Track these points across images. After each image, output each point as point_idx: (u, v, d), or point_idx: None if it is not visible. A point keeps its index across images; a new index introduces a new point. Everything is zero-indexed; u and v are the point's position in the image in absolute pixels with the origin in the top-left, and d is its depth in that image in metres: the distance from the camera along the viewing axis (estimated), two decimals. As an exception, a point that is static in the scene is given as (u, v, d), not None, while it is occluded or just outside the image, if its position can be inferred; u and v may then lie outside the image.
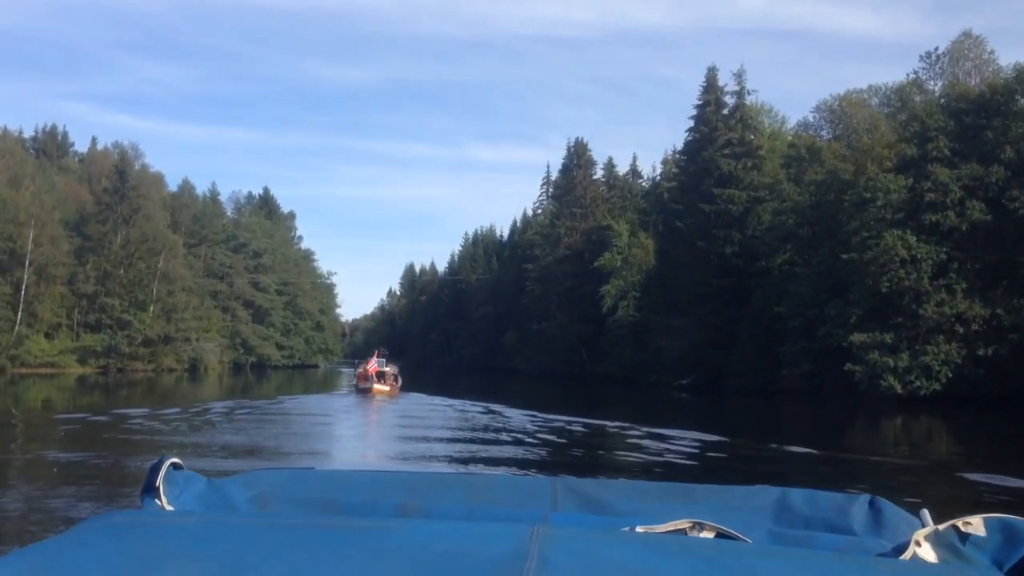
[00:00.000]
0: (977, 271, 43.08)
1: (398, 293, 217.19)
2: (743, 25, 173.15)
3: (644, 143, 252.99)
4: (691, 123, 66.57)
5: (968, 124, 45.63)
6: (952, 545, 1.73)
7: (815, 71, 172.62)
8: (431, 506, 2.08)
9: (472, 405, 39.62)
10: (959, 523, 1.75)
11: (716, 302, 60.49)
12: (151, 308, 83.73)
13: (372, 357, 53.29)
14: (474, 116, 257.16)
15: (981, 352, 41.32)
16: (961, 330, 41.89)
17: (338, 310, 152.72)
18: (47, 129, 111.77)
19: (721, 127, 63.42)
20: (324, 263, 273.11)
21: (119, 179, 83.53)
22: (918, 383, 42.15)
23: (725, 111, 64.68)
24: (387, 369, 50.48)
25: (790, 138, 67.63)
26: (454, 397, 45.54)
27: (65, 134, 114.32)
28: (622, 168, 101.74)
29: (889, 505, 2.05)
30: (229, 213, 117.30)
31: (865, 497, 2.09)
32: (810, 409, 45.58)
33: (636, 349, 72.84)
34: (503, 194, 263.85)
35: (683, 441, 24.23)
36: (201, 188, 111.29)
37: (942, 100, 48.00)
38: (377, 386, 46.85)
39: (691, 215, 63.42)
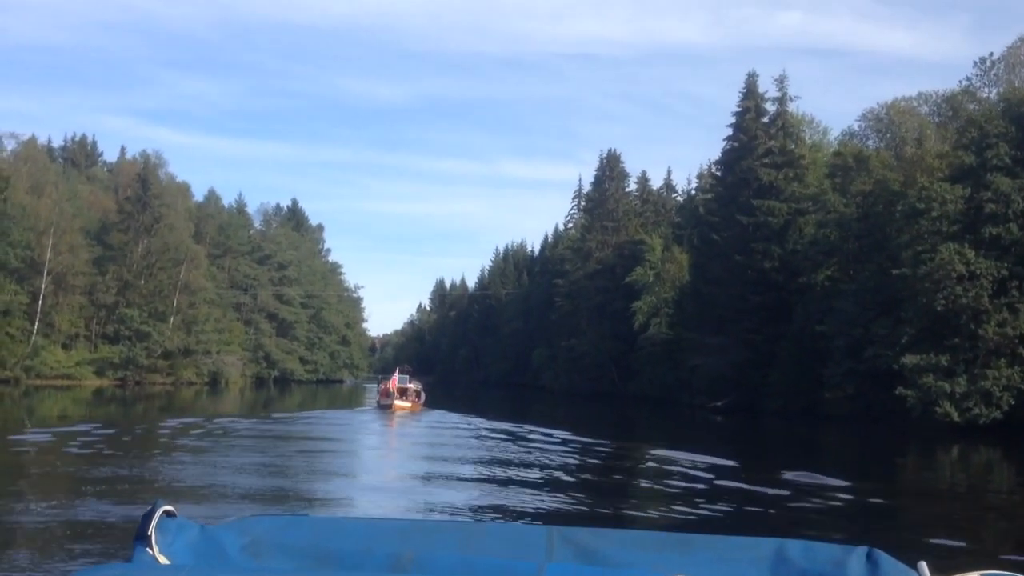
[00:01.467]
0: (1042, 289, 39.66)
1: (428, 308, 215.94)
2: (780, 42, 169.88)
3: (678, 161, 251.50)
4: (729, 131, 63.44)
5: (1031, 130, 42.31)
6: None
7: (853, 89, 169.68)
8: (425, 555, 2.08)
9: (491, 424, 38.73)
10: None
11: (754, 319, 57.19)
12: (171, 319, 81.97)
13: (395, 373, 52.74)
14: (507, 132, 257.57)
15: (1047, 377, 37.84)
16: (1025, 353, 38.46)
17: (365, 324, 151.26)
18: (76, 139, 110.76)
19: (761, 135, 60.29)
20: (354, 277, 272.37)
21: (141, 188, 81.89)
22: (976, 410, 38.67)
23: (765, 119, 61.55)
24: (410, 386, 50.16)
25: (833, 149, 64.41)
26: (477, 415, 44.57)
27: (94, 143, 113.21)
28: (656, 183, 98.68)
29: (886, 558, 2.03)
30: (257, 225, 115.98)
31: (863, 549, 2.08)
32: (856, 436, 42.35)
33: (669, 368, 69.73)
34: (535, 210, 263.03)
35: (706, 469, 23.06)
36: (229, 199, 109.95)
37: (1001, 105, 44.63)
38: (398, 402, 46.59)
39: (728, 228, 60.24)
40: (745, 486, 20.03)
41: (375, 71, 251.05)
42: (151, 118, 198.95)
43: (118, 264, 79.15)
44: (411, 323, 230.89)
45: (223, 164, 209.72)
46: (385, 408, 46.56)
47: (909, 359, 39.81)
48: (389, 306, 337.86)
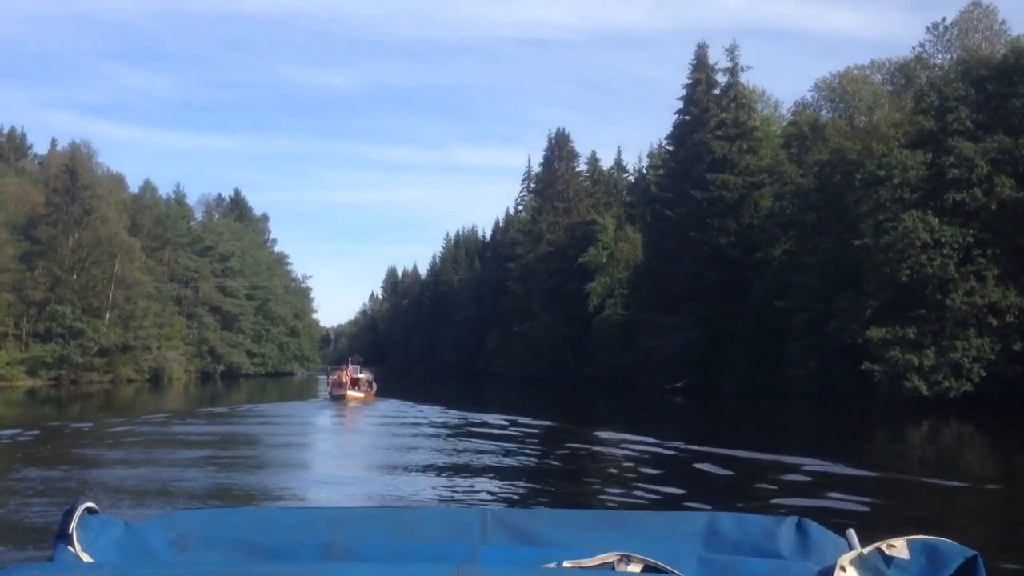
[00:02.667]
0: (1010, 255, 38.19)
1: (380, 297, 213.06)
2: (724, 24, 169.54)
3: (628, 144, 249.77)
4: (680, 105, 61.48)
5: (992, 93, 40.80)
6: (876, 568, 1.76)
7: (799, 69, 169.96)
8: (357, 544, 2.05)
9: (444, 411, 38.54)
10: (883, 546, 1.78)
11: (711, 297, 55.48)
12: (107, 315, 78.40)
13: (346, 364, 53.48)
14: (457, 119, 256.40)
15: (1018, 347, 36.40)
16: (994, 322, 36.95)
17: (315, 315, 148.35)
18: (4, 132, 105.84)
19: (713, 107, 58.47)
20: (305, 268, 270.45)
21: (70, 179, 77.87)
22: (946, 383, 37.20)
23: (716, 91, 59.69)
24: (361, 376, 50.37)
25: (785, 122, 62.87)
26: (429, 403, 44.19)
27: (23, 136, 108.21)
28: (606, 163, 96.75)
29: (816, 527, 2.07)
30: (199, 216, 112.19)
31: (792, 519, 2.11)
32: (821, 414, 40.68)
33: (625, 349, 67.94)
34: (487, 196, 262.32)
35: (668, 451, 22.46)
36: (169, 191, 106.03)
37: (960, 68, 43.13)
38: (351, 392, 46.55)
39: (682, 203, 58.45)
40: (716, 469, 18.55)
41: (322, 59, 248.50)
42: (91, 112, 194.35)
43: (47, 259, 75.21)
44: (364, 313, 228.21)
45: (167, 157, 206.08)
46: (338, 399, 46.30)
47: (874, 332, 38.22)
48: (343, 296, 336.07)
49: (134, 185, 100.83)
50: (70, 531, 1.93)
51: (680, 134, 60.59)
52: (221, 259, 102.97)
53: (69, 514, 1.96)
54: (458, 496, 15.82)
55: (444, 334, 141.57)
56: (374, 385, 51.20)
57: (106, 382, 76.70)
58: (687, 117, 60.26)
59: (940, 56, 55.49)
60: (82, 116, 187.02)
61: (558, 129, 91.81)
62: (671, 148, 62.66)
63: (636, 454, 22.32)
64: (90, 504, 2.03)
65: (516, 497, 15.77)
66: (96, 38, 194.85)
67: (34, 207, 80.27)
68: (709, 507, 11.25)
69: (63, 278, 75.73)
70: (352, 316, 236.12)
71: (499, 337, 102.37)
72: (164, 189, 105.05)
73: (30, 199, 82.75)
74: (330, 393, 49.37)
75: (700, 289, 56.08)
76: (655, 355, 60.23)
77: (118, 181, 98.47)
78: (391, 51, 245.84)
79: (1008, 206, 37.95)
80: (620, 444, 24.71)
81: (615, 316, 71.89)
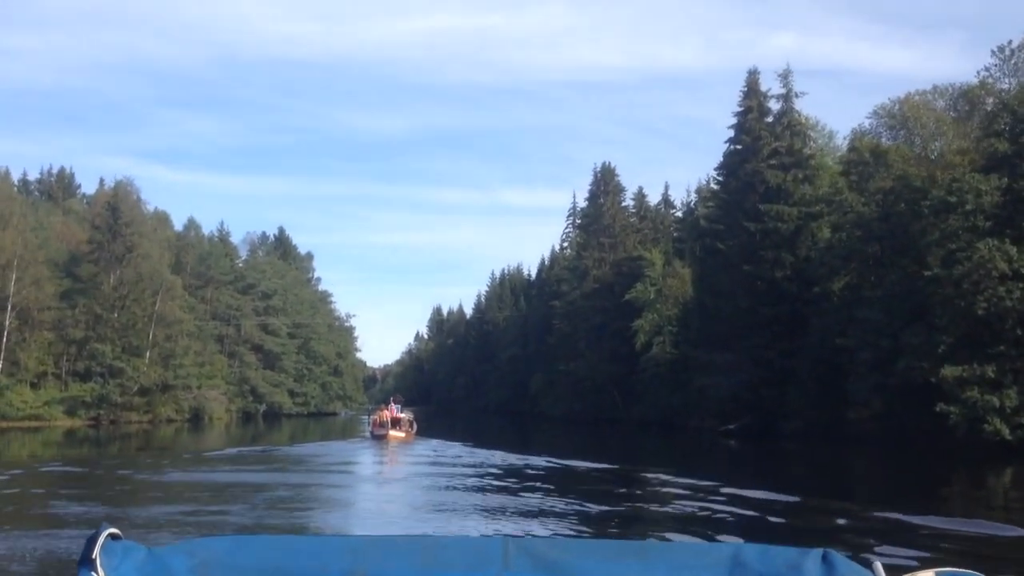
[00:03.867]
0: (1097, 286, 35.09)
1: (426, 337, 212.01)
2: (774, 64, 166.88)
3: (675, 184, 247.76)
4: (730, 134, 59.02)
5: (1071, 112, 37.98)
6: None
7: (852, 109, 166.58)
8: (379, 573, 2.06)
9: (485, 452, 37.90)
10: None
11: (766, 334, 52.53)
12: (147, 354, 77.50)
13: (388, 403, 53.72)
14: (505, 160, 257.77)
15: (1110, 386, 33.17)
16: (1082, 359, 33.79)
17: (359, 354, 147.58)
18: (54, 172, 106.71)
19: (766, 135, 55.87)
20: (351, 307, 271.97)
21: (112, 216, 77.35)
22: (1030, 426, 34.00)
23: (769, 118, 57.15)
24: (403, 415, 50.67)
25: (840, 154, 60.12)
26: (471, 444, 44.27)
27: (71, 175, 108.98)
28: (653, 199, 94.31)
29: (842, 560, 2.04)
30: (243, 255, 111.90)
31: (818, 551, 2.07)
32: (890, 458, 37.67)
33: (675, 390, 65.08)
34: (534, 236, 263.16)
35: (730, 498, 20.54)
36: (213, 229, 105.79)
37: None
38: (392, 432, 46.99)
39: (734, 236, 55.73)
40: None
41: (373, 104, 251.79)
42: (147, 156, 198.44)
43: (88, 297, 74.51)
44: (409, 352, 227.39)
45: (219, 200, 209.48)
46: (379, 438, 46.56)
47: (949, 370, 35.17)
48: (390, 336, 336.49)
49: (179, 224, 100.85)
50: (93, 556, 1.92)
51: (731, 164, 58.06)
52: (263, 297, 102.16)
53: (92, 540, 1.96)
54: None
55: (489, 373, 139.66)
56: (415, 425, 51.47)
57: (145, 422, 75.56)
58: (738, 146, 57.74)
59: (1006, 80, 52.61)
60: (138, 161, 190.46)
61: (604, 163, 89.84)
62: (721, 179, 60.06)
63: (686, 499, 20.65)
64: (113, 530, 2.04)
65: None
66: (154, 85, 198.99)
67: (77, 245, 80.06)
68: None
69: (103, 316, 74.91)
70: (398, 356, 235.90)
71: (544, 377, 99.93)
72: (210, 228, 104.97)
73: (74, 237, 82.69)
74: (371, 432, 49.41)
75: (754, 326, 53.19)
76: (707, 395, 57.31)
77: (162, 219, 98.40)
78: (441, 95, 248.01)
79: (1094, 233, 34.92)
80: (667, 487, 23.39)
81: (664, 355, 69.15)
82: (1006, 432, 33.82)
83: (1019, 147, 37.70)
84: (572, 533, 15.38)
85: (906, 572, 1.75)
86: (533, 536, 13.13)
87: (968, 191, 37.17)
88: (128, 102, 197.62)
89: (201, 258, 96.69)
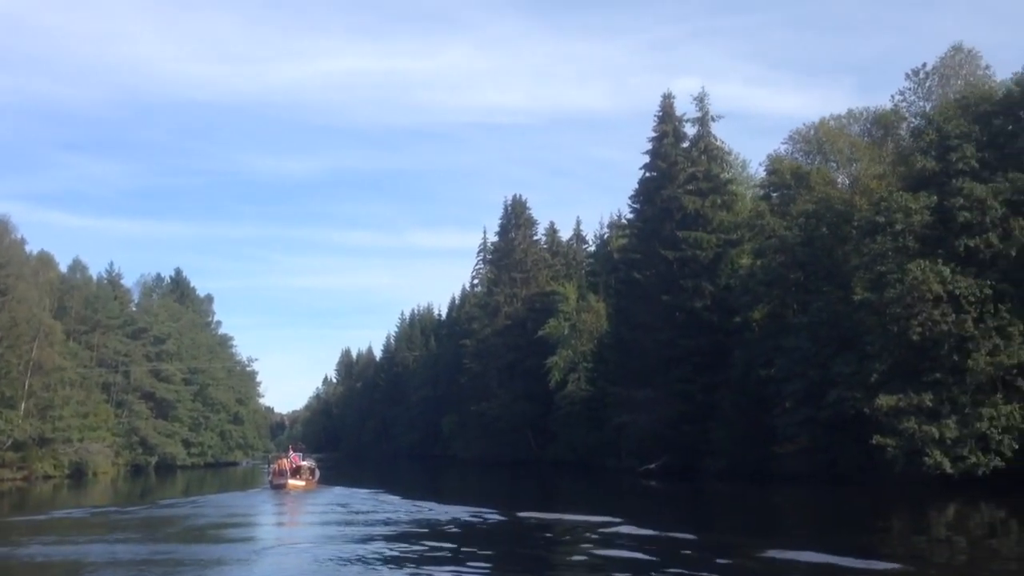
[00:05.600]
0: (1035, 307, 33.26)
1: (334, 380, 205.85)
2: (678, 107, 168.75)
3: (587, 223, 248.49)
4: (646, 159, 56.68)
5: (998, 129, 36.43)
6: None
7: (756, 151, 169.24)
8: None
9: (392, 500, 36.63)
10: None
11: (687, 367, 49.90)
12: (22, 405, 70.97)
13: (287, 452, 52.49)
14: (415, 202, 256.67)
15: (1055, 413, 31.14)
16: (1024, 385, 31.74)
17: (263, 400, 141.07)
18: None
19: (682, 161, 53.72)
20: (257, 352, 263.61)
21: (-17, 255, 71.12)
22: (972, 458, 31.65)
23: (685, 143, 55.05)
24: (304, 463, 49.77)
25: (756, 182, 58.48)
26: (378, 491, 42.50)
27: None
28: (565, 235, 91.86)
29: None
30: (136, 299, 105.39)
31: None
32: (824, 497, 35.07)
33: (592, 428, 62.04)
34: (445, 278, 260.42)
35: (625, 538, 20.80)
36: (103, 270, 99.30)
37: (960, 104, 38.74)
38: (292, 481, 45.92)
39: (651, 265, 53.22)
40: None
41: (280, 146, 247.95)
42: (44, 201, 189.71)
43: (-45, 343, 68.07)
44: (317, 397, 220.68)
45: (121, 245, 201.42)
46: (279, 488, 45.38)
47: (884, 400, 32.78)
48: (299, 382, 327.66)
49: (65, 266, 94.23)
50: None
51: (647, 191, 55.69)
52: (156, 342, 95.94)
53: None
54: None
55: (399, 416, 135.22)
56: (317, 472, 50.32)
57: (19, 479, 68.97)
58: (654, 172, 55.48)
59: (920, 104, 51.62)
60: (32, 205, 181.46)
61: (515, 196, 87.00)
62: (637, 206, 57.62)
63: (602, 544, 20.24)
64: None
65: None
66: (50, 127, 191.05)
67: (-54, 290, 73.45)
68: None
69: (-28, 364, 68.55)
70: (306, 401, 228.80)
71: (455, 418, 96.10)
72: (99, 270, 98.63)
73: (-57, 280, 75.95)
74: (270, 482, 47.71)
75: (674, 359, 50.56)
76: (625, 433, 54.36)
77: (46, 261, 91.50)
78: (349, 137, 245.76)
79: (1030, 252, 33.14)
80: (584, 532, 22.98)
81: (579, 392, 66.20)
82: (947, 465, 31.47)
83: (947, 164, 35.96)
84: None
85: None
86: None
87: (897, 210, 35.20)
88: (21, 144, 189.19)
89: (88, 301, 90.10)
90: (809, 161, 53.74)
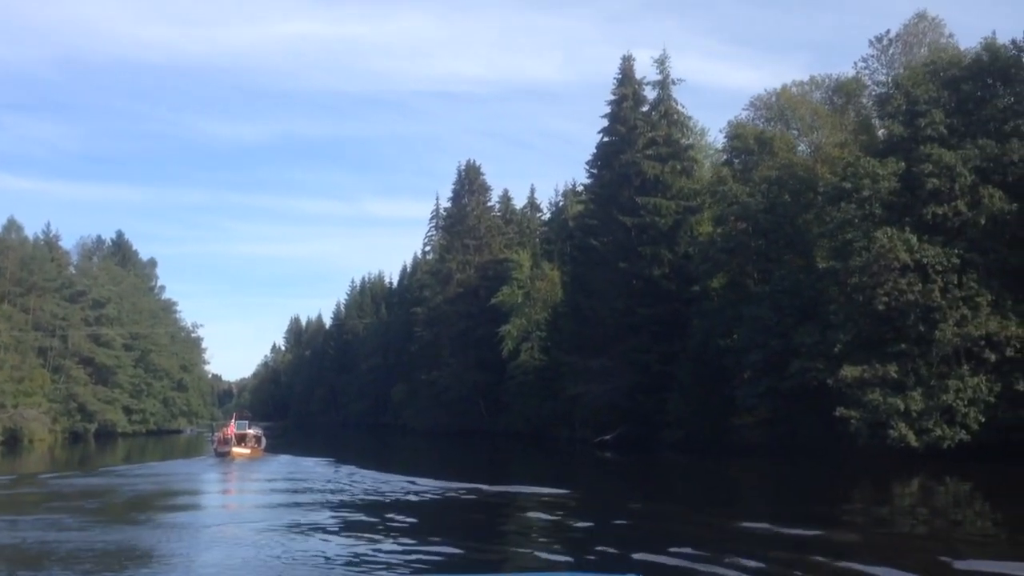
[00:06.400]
0: (1003, 277, 32.46)
1: (283, 348, 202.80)
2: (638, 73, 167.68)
3: (541, 193, 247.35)
4: (603, 126, 55.11)
5: (967, 94, 35.47)
6: None
7: (710, 125, 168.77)
8: None
9: (334, 469, 36.66)
10: None
11: (644, 336, 48.77)
12: (-49, 369, 68.15)
13: (231, 419, 52.72)
14: (369, 171, 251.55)
15: (1021, 386, 30.40)
16: (992, 357, 30.91)
17: (210, 367, 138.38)
18: None
19: (642, 125, 52.25)
20: (203, 318, 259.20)
21: (-93, 211, 67.65)
22: (938, 431, 30.85)
23: (645, 107, 53.56)
24: (249, 431, 49.74)
25: (715, 150, 57.30)
26: (324, 459, 42.73)
27: None
28: (519, 202, 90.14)
29: None
30: (75, 261, 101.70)
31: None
32: (784, 470, 34.19)
33: (545, 398, 60.82)
34: (397, 247, 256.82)
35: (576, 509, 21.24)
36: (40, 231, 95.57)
37: (928, 69, 37.71)
38: (236, 449, 45.94)
39: (609, 232, 51.86)
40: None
41: (232, 111, 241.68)
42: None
43: None
44: (265, 364, 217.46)
45: (62, 208, 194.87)
46: (223, 456, 45.45)
47: (848, 371, 31.84)
48: (249, 349, 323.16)
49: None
50: None
51: (605, 155, 54.16)
52: (95, 305, 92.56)
53: None
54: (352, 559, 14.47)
55: (348, 385, 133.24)
56: (263, 440, 50.24)
57: (-53, 446, 66.23)
58: (613, 137, 53.93)
59: (883, 72, 50.72)
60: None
61: (468, 161, 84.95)
62: (595, 171, 56.07)
63: (549, 518, 19.80)
64: None
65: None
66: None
67: None
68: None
69: None
70: (255, 369, 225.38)
71: (405, 387, 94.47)
72: (35, 231, 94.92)
73: None
74: (215, 450, 48.01)
75: (631, 328, 49.39)
76: (580, 404, 53.21)
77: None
78: (303, 103, 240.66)
79: (998, 220, 32.28)
80: (529, 504, 22.83)
81: (532, 362, 64.90)
82: (912, 438, 30.64)
83: (915, 130, 34.94)
84: (405, 557, 14.58)
85: None
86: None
87: (864, 176, 34.12)
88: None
89: (23, 263, 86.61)
90: (770, 128, 52.74)
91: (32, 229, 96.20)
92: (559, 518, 19.79)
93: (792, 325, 36.75)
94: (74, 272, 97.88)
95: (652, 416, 46.79)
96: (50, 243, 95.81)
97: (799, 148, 50.41)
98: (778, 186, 41.60)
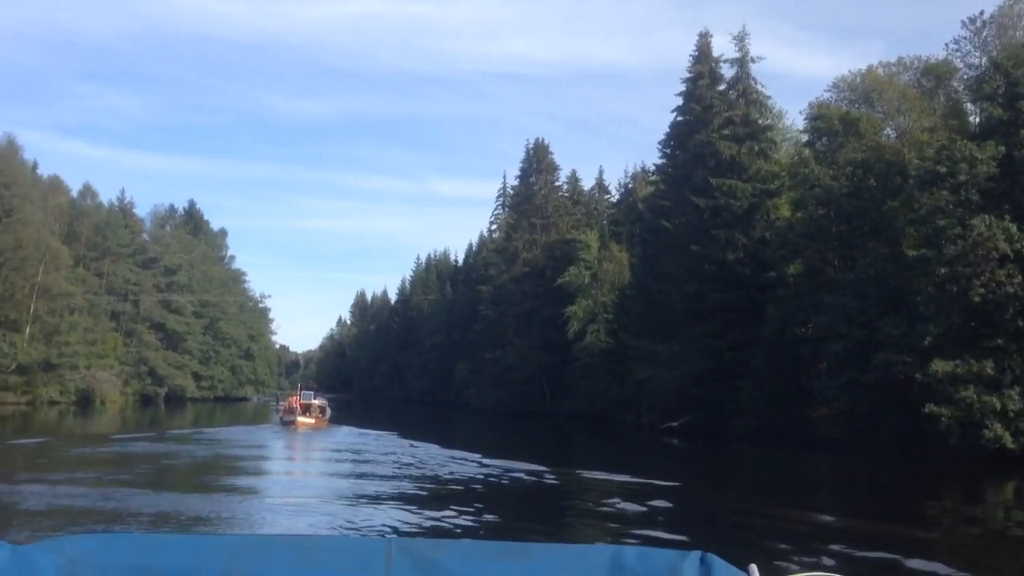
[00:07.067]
0: (1110, 271, 30.40)
1: (348, 322, 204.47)
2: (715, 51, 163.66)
3: (609, 175, 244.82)
4: (677, 103, 53.46)
5: (1075, 75, 33.25)
6: None
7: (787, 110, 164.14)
8: (256, 573, 2.01)
9: (399, 443, 36.95)
10: None
11: (716, 322, 47.29)
12: (26, 329, 69.59)
13: (298, 389, 54.85)
14: (433, 149, 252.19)
15: None
16: (1096, 356, 29.02)
17: (277, 337, 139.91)
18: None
19: (718, 104, 50.50)
20: (271, 290, 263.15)
21: (-15, 174, 69.08)
22: (1036, 433, 29.09)
23: (722, 86, 51.77)
24: (315, 402, 50.77)
25: (793, 133, 55.27)
26: (388, 433, 43.03)
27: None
28: (587, 183, 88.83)
29: (719, 562, 2.08)
30: (148, 228, 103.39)
31: (696, 553, 2.10)
32: (865, 465, 32.64)
33: (611, 382, 59.69)
34: (462, 226, 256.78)
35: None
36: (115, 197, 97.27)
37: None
38: (301, 419, 46.47)
39: (681, 213, 50.35)
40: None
41: (300, 87, 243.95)
42: (65, 132, 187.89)
43: (-43, 264, 66.48)
44: (331, 337, 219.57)
45: (139, 178, 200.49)
46: (288, 424, 46.28)
47: (940, 366, 30.12)
48: (315, 322, 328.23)
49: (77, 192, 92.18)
50: None
51: (679, 134, 52.52)
52: (167, 272, 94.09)
53: None
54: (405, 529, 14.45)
55: (412, 361, 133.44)
56: (327, 411, 51.16)
57: (23, 403, 67.78)
58: (688, 116, 52.25)
59: (976, 55, 48.22)
60: (52, 136, 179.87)
61: (537, 139, 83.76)
62: (667, 151, 54.45)
63: (617, 500, 19.30)
64: None
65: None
66: (73, 58, 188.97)
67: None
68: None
69: (-26, 285, 67.04)
70: (321, 341, 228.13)
71: (469, 365, 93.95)
72: (110, 197, 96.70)
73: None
74: (281, 419, 48.89)
75: (702, 313, 47.95)
76: (647, 389, 51.93)
77: (56, 185, 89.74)
78: (369, 81, 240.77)
79: (1108, 210, 30.21)
80: (599, 488, 22.30)
81: (598, 344, 63.79)
82: (1008, 439, 28.90)
83: (1015, 113, 32.87)
84: (467, 533, 14.57)
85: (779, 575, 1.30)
86: (418, 537, 12.34)
87: (960, 160, 32.20)
88: (45, 75, 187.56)
89: (98, 228, 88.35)
90: (855, 110, 50.63)
91: (107, 196, 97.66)
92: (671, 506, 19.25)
93: (876, 315, 34.99)
94: (147, 239, 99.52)
95: (722, 404, 45.37)
96: (124, 210, 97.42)
97: (885, 132, 48.37)
98: (864, 169, 39.71)
